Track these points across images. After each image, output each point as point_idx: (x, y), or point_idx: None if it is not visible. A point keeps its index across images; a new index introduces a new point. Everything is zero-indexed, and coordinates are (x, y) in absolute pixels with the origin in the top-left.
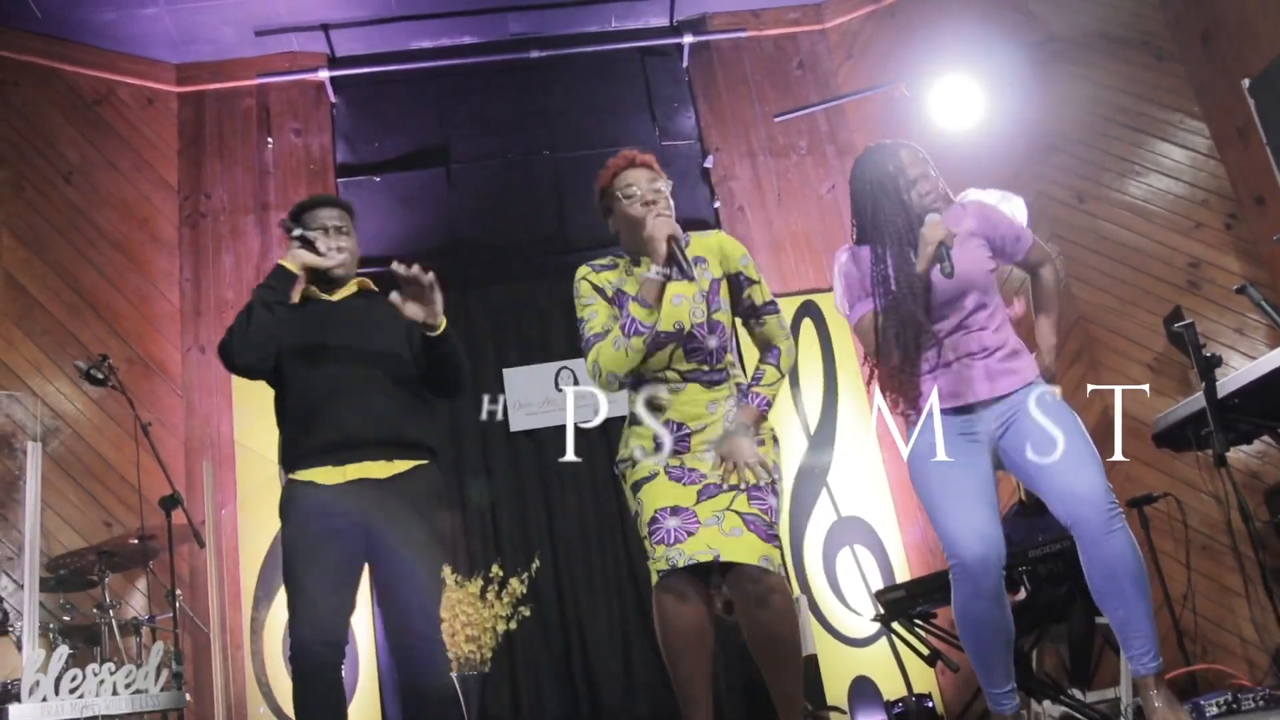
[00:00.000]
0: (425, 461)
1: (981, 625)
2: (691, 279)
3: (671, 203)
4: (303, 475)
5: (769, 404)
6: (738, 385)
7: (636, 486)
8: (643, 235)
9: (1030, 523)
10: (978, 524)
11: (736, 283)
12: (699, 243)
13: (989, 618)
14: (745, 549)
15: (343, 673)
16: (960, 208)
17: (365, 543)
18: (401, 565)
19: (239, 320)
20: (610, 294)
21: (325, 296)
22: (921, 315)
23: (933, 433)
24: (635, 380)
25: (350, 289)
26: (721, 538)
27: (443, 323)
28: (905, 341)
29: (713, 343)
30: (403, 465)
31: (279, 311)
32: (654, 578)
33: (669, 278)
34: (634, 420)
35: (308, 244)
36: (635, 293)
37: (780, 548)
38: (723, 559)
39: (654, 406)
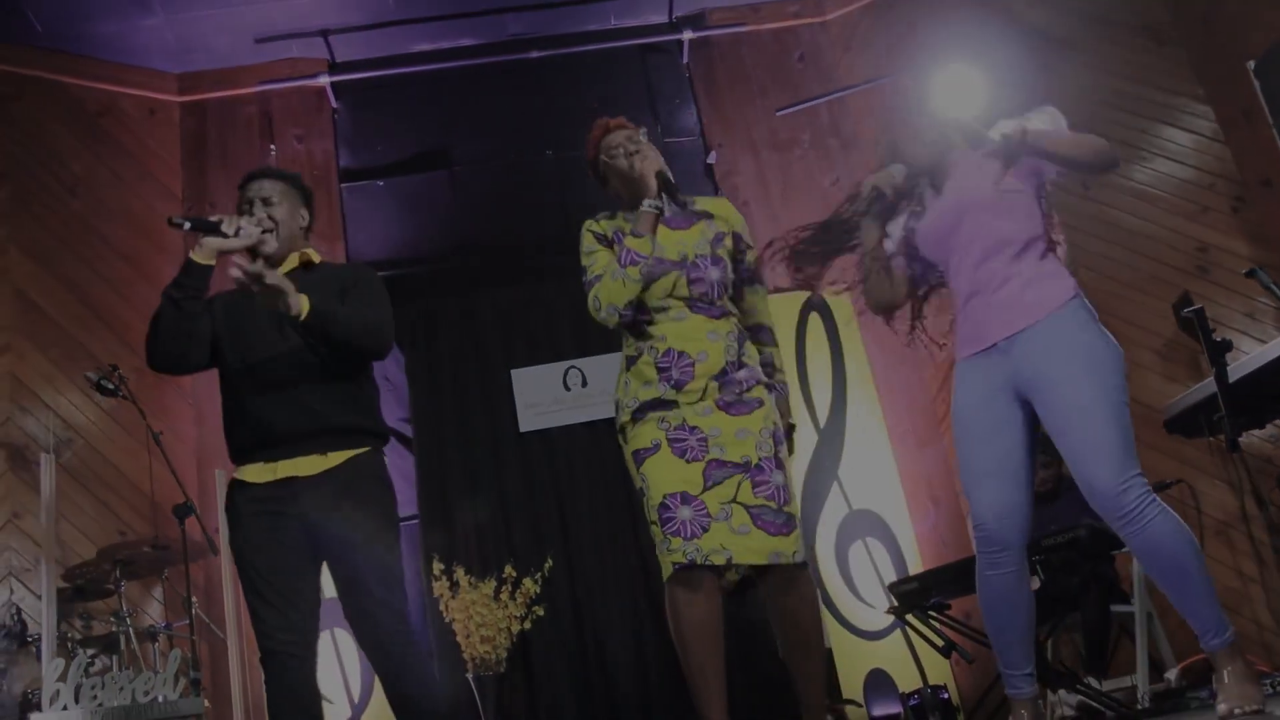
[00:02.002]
0: (365, 449)
1: (997, 598)
2: (682, 205)
3: (655, 148)
4: (238, 474)
5: (787, 388)
6: (744, 327)
7: (638, 457)
8: (634, 177)
9: (1041, 512)
10: (993, 498)
11: (736, 243)
12: (706, 201)
13: (1004, 592)
14: (754, 549)
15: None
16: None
17: (309, 540)
18: (352, 565)
19: (151, 322)
20: (610, 236)
21: None
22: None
23: (963, 386)
24: (635, 318)
25: (289, 264)
26: (731, 536)
27: (303, 307)
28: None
29: (714, 274)
30: (337, 458)
31: (191, 306)
32: (667, 568)
33: (661, 210)
34: (630, 362)
35: (207, 229)
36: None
37: (796, 526)
38: (735, 561)
39: (655, 336)
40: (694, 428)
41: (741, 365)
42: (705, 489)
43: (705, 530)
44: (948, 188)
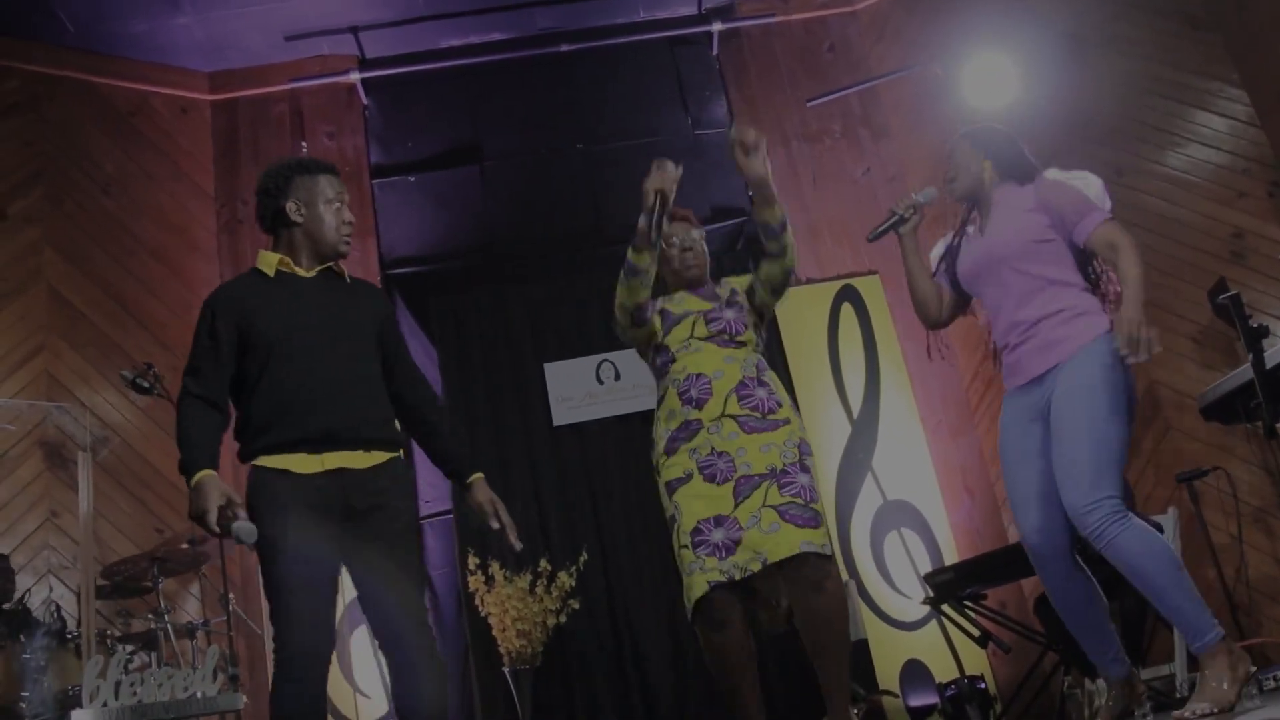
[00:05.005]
0: (398, 454)
1: (1056, 602)
2: (670, 217)
3: (703, 250)
4: (272, 462)
5: (784, 215)
6: (759, 357)
7: (670, 488)
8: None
9: None
10: (1033, 519)
11: (752, 287)
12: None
13: (1059, 595)
14: (785, 542)
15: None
16: (1033, 184)
17: (340, 537)
18: (384, 559)
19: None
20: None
21: (299, 272)
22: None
23: (1005, 417)
24: (659, 362)
25: (323, 266)
26: (763, 538)
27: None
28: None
29: (729, 314)
30: (380, 457)
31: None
32: (701, 588)
33: (653, 221)
34: (660, 403)
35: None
36: (673, 310)
37: (823, 523)
38: (769, 561)
39: (676, 369)
40: (722, 452)
41: (761, 384)
42: (737, 505)
43: (739, 544)
44: (988, 229)
